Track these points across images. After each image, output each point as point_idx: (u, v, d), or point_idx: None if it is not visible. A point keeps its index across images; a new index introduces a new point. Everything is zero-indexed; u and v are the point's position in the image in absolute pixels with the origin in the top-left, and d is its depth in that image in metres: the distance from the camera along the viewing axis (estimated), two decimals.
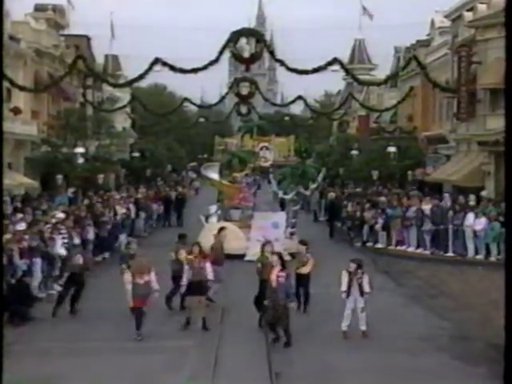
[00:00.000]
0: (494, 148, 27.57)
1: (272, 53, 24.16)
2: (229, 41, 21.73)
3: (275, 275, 12.93)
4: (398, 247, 25.66)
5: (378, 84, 29.88)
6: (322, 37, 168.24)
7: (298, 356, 12.50)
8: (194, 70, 22.94)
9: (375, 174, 36.92)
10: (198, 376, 11.37)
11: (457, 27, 35.39)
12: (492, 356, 11.33)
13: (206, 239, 23.73)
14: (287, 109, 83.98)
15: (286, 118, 56.71)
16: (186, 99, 35.57)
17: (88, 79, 42.55)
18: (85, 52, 40.18)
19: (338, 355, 12.49)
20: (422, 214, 24.55)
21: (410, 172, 36.14)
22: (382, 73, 54.02)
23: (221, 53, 22.03)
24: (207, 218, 26.68)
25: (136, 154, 48.09)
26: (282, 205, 27.70)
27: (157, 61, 22.65)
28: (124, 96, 47.78)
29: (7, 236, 16.62)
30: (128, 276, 13.63)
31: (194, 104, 40.79)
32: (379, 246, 26.45)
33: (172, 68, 22.90)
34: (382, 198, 28.65)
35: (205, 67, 22.48)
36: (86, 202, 26.60)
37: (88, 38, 47.50)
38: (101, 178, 35.33)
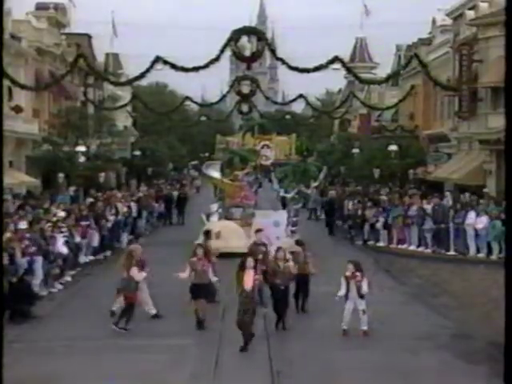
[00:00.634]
0: (496, 146, 27.56)
1: (273, 51, 24.17)
2: (230, 39, 21.74)
3: (252, 279, 12.74)
4: (400, 246, 25.63)
5: (379, 82, 29.91)
6: (323, 35, 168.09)
7: (298, 355, 12.48)
8: (195, 69, 22.96)
9: (376, 172, 36.88)
10: (199, 374, 11.37)
11: (458, 25, 35.35)
12: (493, 354, 11.31)
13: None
14: (288, 107, 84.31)
15: (288, 117, 56.87)
16: (187, 98, 35.62)
17: (89, 78, 42.57)
18: (86, 50, 40.19)
19: (338, 354, 12.48)
20: (424, 213, 24.53)
21: (411, 171, 36.10)
22: (383, 71, 54.04)
23: (222, 51, 22.04)
24: (208, 216, 26.67)
25: (137, 153, 48.09)
26: (284, 203, 27.72)
27: (158, 59, 22.67)
28: (125, 95, 47.85)
29: (8, 234, 16.64)
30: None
31: (195, 103, 40.86)
32: (380, 244, 26.44)
33: (173, 66, 22.92)
34: (383, 197, 28.64)
35: (206, 66, 22.50)
36: (89, 200, 26.59)
37: (89, 37, 47.52)
38: (102, 176, 35.33)
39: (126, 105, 37.68)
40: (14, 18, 33.78)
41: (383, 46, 60.05)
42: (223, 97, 40.52)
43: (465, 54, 31.28)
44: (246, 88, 33.65)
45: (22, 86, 25.52)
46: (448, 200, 24.83)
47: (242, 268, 12.97)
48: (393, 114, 47.52)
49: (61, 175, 28.10)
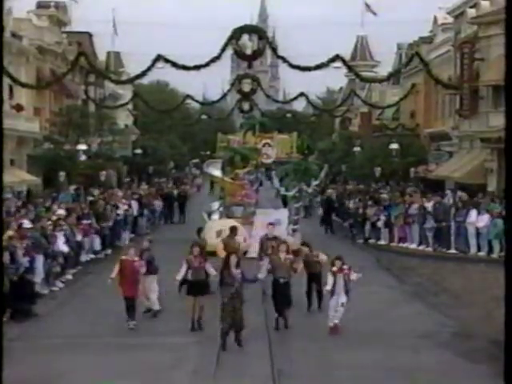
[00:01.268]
0: (497, 145, 27.55)
1: (274, 49, 24.12)
2: (231, 38, 21.70)
3: (235, 274, 12.75)
4: (401, 244, 25.64)
5: (381, 81, 29.90)
6: (325, 34, 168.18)
7: (299, 353, 12.49)
8: (197, 67, 22.91)
9: (378, 170, 36.87)
10: (201, 372, 11.38)
11: (459, 24, 35.32)
12: (494, 353, 11.31)
13: (208, 236, 23.83)
14: (289, 106, 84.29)
15: (288, 115, 56.81)
16: (188, 96, 35.54)
17: (90, 76, 42.56)
18: (87, 49, 40.16)
19: (340, 352, 12.49)
20: (425, 211, 24.52)
21: (412, 169, 36.08)
22: (384, 70, 53.96)
23: (223, 50, 22.00)
24: (209, 214, 26.69)
25: (138, 151, 48.08)
26: (285, 202, 27.72)
27: (159, 58, 22.61)
28: (126, 93, 47.88)
29: (10, 232, 16.65)
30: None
31: (196, 101, 40.84)
32: (381, 243, 26.45)
33: (174, 65, 22.87)
34: (384, 195, 28.65)
35: (207, 64, 22.45)
36: (90, 198, 26.62)
37: (90, 35, 47.52)
38: (103, 174, 35.32)
39: (127, 103, 37.65)
40: (14, 17, 33.78)
41: (384, 44, 60.08)
42: (224, 95, 40.43)
43: (466, 53, 31.27)
44: (247, 86, 33.56)
45: (23, 85, 25.49)
46: (449, 198, 24.82)
47: (226, 265, 13.00)
48: (394, 113, 47.44)
49: (62, 174, 28.09)
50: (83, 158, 32.27)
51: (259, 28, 25.24)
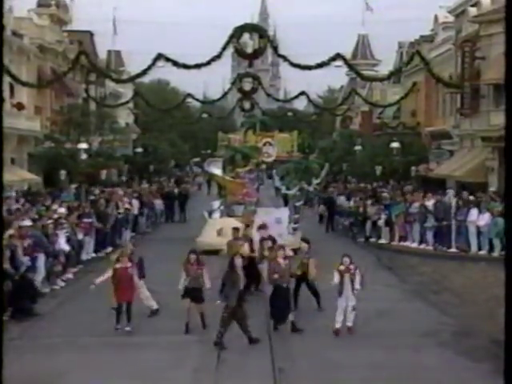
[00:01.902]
0: (498, 144, 27.54)
1: (275, 48, 24.09)
2: (232, 36, 21.69)
3: (241, 276, 12.84)
4: (401, 243, 25.62)
5: (381, 79, 29.85)
6: (325, 33, 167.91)
7: (300, 352, 12.50)
8: (197, 66, 22.90)
9: (378, 169, 36.86)
10: (202, 371, 11.39)
11: (460, 23, 35.30)
12: (495, 352, 11.31)
13: (209, 235, 23.86)
14: (290, 104, 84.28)
15: (289, 114, 56.76)
16: (188, 95, 35.51)
17: (91, 75, 42.57)
18: (88, 48, 40.19)
19: (341, 351, 12.48)
20: (425, 210, 24.51)
21: (413, 168, 36.07)
22: (385, 68, 53.91)
23: (224, 48, 21.98)
24: (210, 213, 26.69)
25: (139, 150, 48.10)
26: (286, 200, 27.71)
27: (160, 56, 22.61)
28: (127, 92, 47.92)
29: (11, 231, 16.67)
30: None
31: (197, 100, 40.76)
32: (382, 241, 26.44)
33: (175, 64, 22.86)
34: (385, 194, 28.64)
35: (208, 63, 22.44)
36: (91, 197, 26.63)
37: (91, 34, 47.55)
38: (104, 173, 35.33)
39: (127, 102, 37.67)
40: (15, 15, 33.80)
41: (385, 43, 60.00)
42: (225, 94, 40.40)
43: (467, 51, 31.24)
44: (247, 85, 33.58)
45: (24, 83, 25.50)
46: (450, 197, 24.81)
47: (232, 267, 13.05)
48: (395, 111, 47.43)
49: (63, 172, 28.08)
50: (84, 156, 32.28)
51: (260, 27, 25.22)
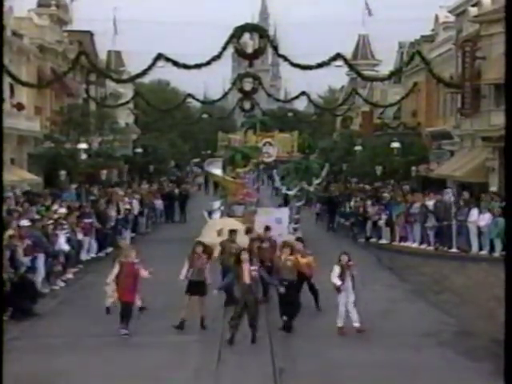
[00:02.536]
0: (499, 144, 27.51)
1: (275, 48, 24.10)
2: (232, 36, 21.71)
3: (247, 271, 12.87)
4: (402, 243, 25.62)
5: (382, 79, 29.85)
6: (326, 33, 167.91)
7: (301, 352, 12.50)
8: (198, 66, 22.93)
9: (379, 169, 36.85)
10: (202, 371, 11.38)
11: (461, 22, 35.28)
12: (496, 352, 11.30)
13: (209, 235, 23.83)
14: (290, 105, 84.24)
15: (290, 114, 56.74)
16: (189, 95, 35.57)
17: (91, 75, 42.55)
18: (88, 48, 40.18)
19: (341, 351, 12.49)
20: (426, 210, 24.49)
21: (413, 168, 36.03)
22: (385, 68, 53.89)
23: (224, 48, 22.01)
24: (210, 213, 26.66)
25: (139, 150, 48.07)
26: (286, 201, 27.70)
27: (160, 56, 22.65)
28: (127, 92, 47.93)
29: (10, 232, 16.66)
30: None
31: (197, 100, 40.80)
32: (383, 242, 26.43)
33: (175, 64, 22.88)
34: (386, 194, 28.64)
35: (208, 63, 22.47)
36: (91, 198, 26.61)
37: (91, 34, 47.55)
38: (104, 173, 35.31)
39: (127, 102, 37.67)
40: (15, 15, 33.79)
41: (386, 43, 60.00)
42: (225, 94, 40.47)
43: (468, 51, 31.20)
44: (248, 85, 33.59)
45: (24, 83, 25.52)
46: (450, 197, 24.80)
47: (238, 262, 13.10)
48: (395, 112, 47.42)
49: (62, 173, 28.07)
50: (84, 156, 32.24)
51: (260, 27, 25.22)
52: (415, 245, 25.09)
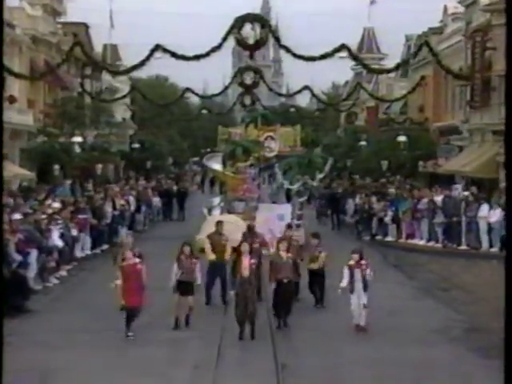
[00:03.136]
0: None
1: (277, 39, 23.99)
2: (233, 27, 21.59)
3: (248, 263, 12.82)
4: (409, 241, 25.54)
5: (388, 71, 29.63)
6: (329, 26, 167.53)
7: (304, 348, 12.46)
8: (197, 57, 22.80)
9: (384, 164, 36.66)
10: (202, 367, 11.31)
11: (471, 13, 35.17)
12: None
13: (209, 232, 23.73)
14: (292, 102, 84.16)
15: (292, 110, 56.69)
16: (187, 89, 35.45)
17: (86, 68, 42.44)
18: (83, 40, 39.98)
19: (346, 347, 12.44)
20: (434, 206, 24.35)
21: (420, 162, 35.82)
22: (391, 62, 53.70)
23: (224, 39, 21.88)
24: (210, 210, 26.58)
25: (136, 145, 47.96)
26: (288, 196, 27.55)
27: (157, 47, 22.53)
28: (123, 87, 47.88)
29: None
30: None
31: (196, 94, 40.73)
32: (389, 239, 26.34)
33: (173, 55, 22.75)
34: (391, 190, 28.53)
35: (207, 54, 22.34)
36: (88, 193, 26.49)
37: (86, 26, 47.48)
38: (99, 168, 35.19)
39: (124, 96, 37.58)
40: (7, 5, 33.70)
41: (392, 36, 59.92)
42: (226, 88, 40.41)
43: (478, 41, 31.07)
44: (248, 79, 33.48)
45: (17, 75, 25.44)
46: (459, 192, 24.70)
47: (238, 254, 13.06)
48: (401, 107, 47.32)
49: (56, 167, 27.89)
50: (78, 150, 32.04)
51: (261, 16, 25.09)
52: (422, 242, 25.00)
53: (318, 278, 15.40)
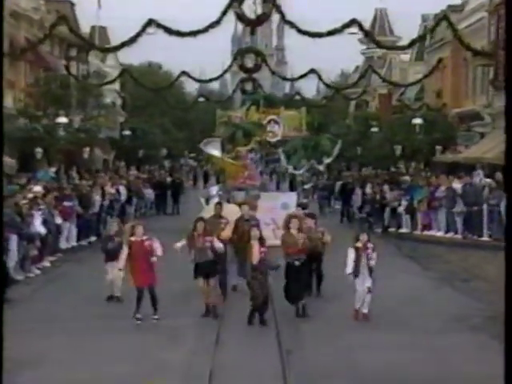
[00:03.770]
0: None
1: (282, 14, 23.95)
2: (233, 0, 21.58)
3: (257, 251, 12.84)
4: (425, 232, 25.46)
5: (402, 48, 29.57)
6: (339, 6, 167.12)
7: (311, 335, 12.48)
8: (193, 33, 22.71)
9: (398, 149, 36.38)
10: (199, 352, 11.29)
11: None
12: None
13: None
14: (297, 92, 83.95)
15: (297, 98, 56.53)
16: (183, 73, 35.33)
17: (71, 50, 42.32)
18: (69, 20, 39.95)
19: (358, 334, 12.45)
20: (454, 194, 24.23)
21: (438, 147, 35.57)
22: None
23: (224, 13, 21.85)
24: (207, 200, 26.49)
25: (127, 132, 47.84)
26: (292, 185, 27.35)
27: (150, 22, 22.50)
28: (113, 72, 47.73)
29: None
30: None
31: (193, 78, 40.53)
32: (403, 230, 26.27)
33: (167, 30, 22.69)
34: (406, 177, 28.44)
35: (205, 30, 22.27)
36: (74, 181, 26.39)
37: (71, 4, 47.47)
38: (86, 151, 35.02)
39: (114, 80, 37.36)
40: None
41: (406, 17, 59.89)
42: (225, 71, 40.14)
43: (502, 15, 31.03)
44: (250, 62, 33.36)
45: None
46: (481, 179, 24.64)
47: (248, 239, 13.06)
48: (417, 93, 47.28)
49: (39, 150, 27.62)
50: (62, 133, 31.78)
51: None
52: (440, 233, 24.91)
53: (316, 264, 15.26)
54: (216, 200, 26.20)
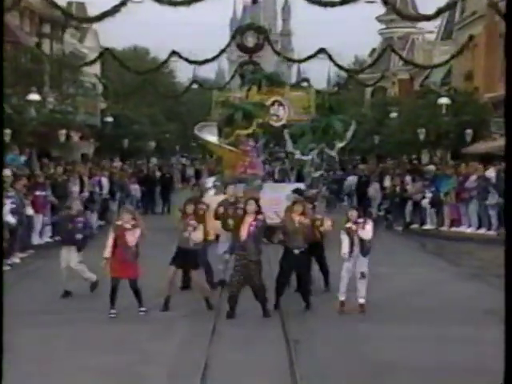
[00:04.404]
0: None
1: None
2: None
3: (247, 224, 12.92)
4: (453, 228, 25.47)
5: (428, 18, 29.42)
6: None
7: (318, 325, 12.72)
8: (188, 2, 22.96)
9: (422, 133, 36.06)
10: (191, 344, 11.44)
11: None
12: None
13: None
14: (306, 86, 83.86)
15: (305, 84, 56.54)
16: (174, 52, 35.23)
17: (44, 25, 42.31)
18: None
19: (370, 325, 12.62)
20: (487, 184, 24.14)
21: (468, 131, 35.27)
22: (431, 26, 53.57)
23: None
24: (202, 193, 26.53)
25: (109, 119, 47.78)
26: (300, 174, 27.13)
27: None
28: (92, 55, 47.66)
29: None
30: None
31: (185, 59, 40.54)
32: (427, 227, 26.29)
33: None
34: (431, 166, 28.43)
35: None
36: (49, 167, 26.39)
37: None
38: (62, 134, 34.93)
39: (94, 61, 37.20)
40: None
41: None
42: (222, 51, 39.91)
43: None
44: (250, 40, 33.40)
45: None
46: None
47: (243, 214, 13.17)
48: (443, 77, 47.11)
49: (7, 131, 27.51)
50: (34, 113, 31.65)
51: None
52: (471, 229, 24.89)
53: (316, 253, 15.25)
54: (212, 193, 26.33)
